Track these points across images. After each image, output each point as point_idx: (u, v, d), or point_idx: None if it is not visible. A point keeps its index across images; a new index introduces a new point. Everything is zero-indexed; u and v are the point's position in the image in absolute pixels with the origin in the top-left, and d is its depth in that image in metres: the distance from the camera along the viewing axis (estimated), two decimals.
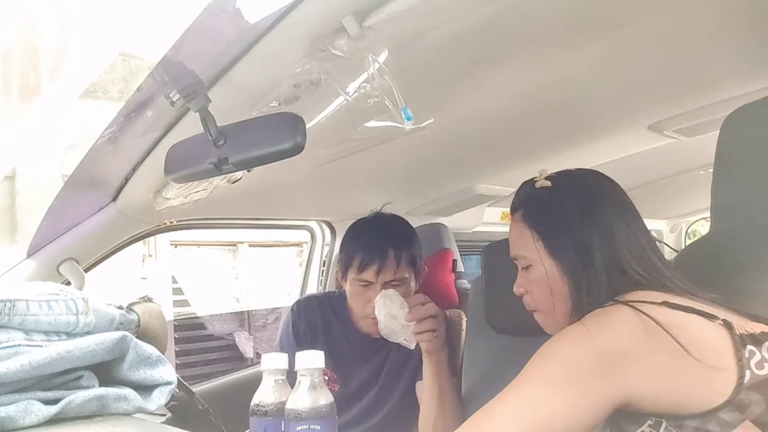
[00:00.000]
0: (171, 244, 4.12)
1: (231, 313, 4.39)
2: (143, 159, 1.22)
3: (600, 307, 0.77)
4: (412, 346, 1.24)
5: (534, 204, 0.94)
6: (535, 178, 0.97)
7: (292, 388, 0.71)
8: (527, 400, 0.70)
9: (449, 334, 1.48)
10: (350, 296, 1.42)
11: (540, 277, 0.91)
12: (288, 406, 0.69)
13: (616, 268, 0.84)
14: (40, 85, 0.94)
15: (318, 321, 1.49)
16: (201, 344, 3.93)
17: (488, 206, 2.44)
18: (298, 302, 1.55)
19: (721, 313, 0.73)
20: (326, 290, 2.14)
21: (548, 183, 0.94)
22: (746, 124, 0.97)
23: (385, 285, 1.34)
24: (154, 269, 4.00)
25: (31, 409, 0.73)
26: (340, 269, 1.43)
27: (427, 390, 1.29)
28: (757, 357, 0.68)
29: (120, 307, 0.93)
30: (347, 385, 1.44)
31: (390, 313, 1.25)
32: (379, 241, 1.34)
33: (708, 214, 1.04)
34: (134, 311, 0.95)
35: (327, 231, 2.20)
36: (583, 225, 0.87)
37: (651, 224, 3.43)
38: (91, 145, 1.10)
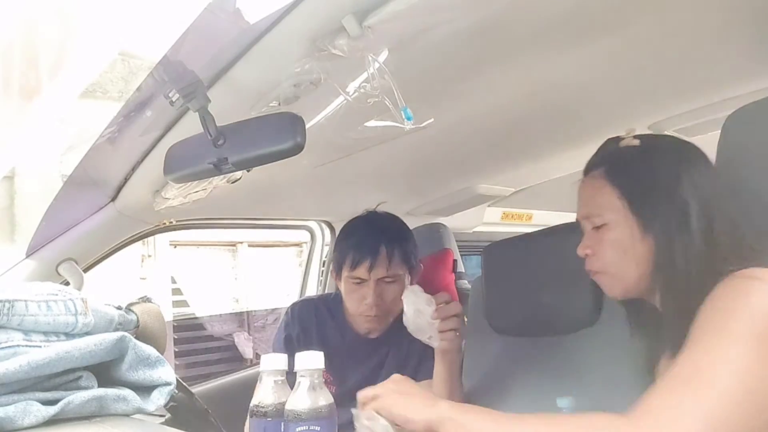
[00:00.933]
0: (170, 244, 4.11)
1: (230, 313, 4.38)
2: (143, 159, 1.22)
3: (697, 272, 0.79)
4: (436, 344, 1.20)
5: (621, 161, 0.91)
6: (620, 136, 0.93)
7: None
8: (742, 361, 0.67)
9: None
10: (345, 295, 1.42)
11: (616, 237, 0.88)
12: (287, 406, 0.69)
13: (712, 235, 0.82)
14: (40, 84, 0.93)
15: (312, 323, 1.49)
16: (200, 345, 3.93)
17: (488, 206, 2.44)
18: (293, 305, 1.55)
19: None
20: (326, 290, 2.13)
21: (636, 142, 0.91)
22: (747, 124, 0.97)
23: (378, 282, 1.34)
24: (153, 269, 4.00)
25: (30, 409, 0.73)
26: (334, 268, 1.44)
27: (437, 389, 1.29)
28: None
29: (119, 308, 0.93)
30: (344, 386, 1.43)
31: (418, 309, 1.20)
32: (371, 238, 1.35)
33: None
34: (133, 312, 0.95)
35: (327, 231, 2.20)
36: (681, 186, 0.83)
37: None
38: (91, 145, 1.10)
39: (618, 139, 0.93)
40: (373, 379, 1.43)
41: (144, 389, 0.85)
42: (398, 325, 1.38)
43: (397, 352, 1.42)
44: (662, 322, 0.93)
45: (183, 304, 4.17)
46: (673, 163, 0.86)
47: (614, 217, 0.88)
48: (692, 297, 0.78)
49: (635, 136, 0.91)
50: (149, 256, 3.99)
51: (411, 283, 1.43)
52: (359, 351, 1.44)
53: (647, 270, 0.86)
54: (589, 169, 0.95)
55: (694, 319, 0.75)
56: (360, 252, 1.34)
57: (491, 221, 2.55)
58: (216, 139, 0.87)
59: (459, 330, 1.19)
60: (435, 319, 1.18)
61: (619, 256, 0.88)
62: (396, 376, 0.89)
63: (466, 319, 1.62)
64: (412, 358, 1.42)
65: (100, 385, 0.82)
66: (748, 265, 0.75)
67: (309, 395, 0.68)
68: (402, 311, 1.34)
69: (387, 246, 1.33)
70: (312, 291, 2.27)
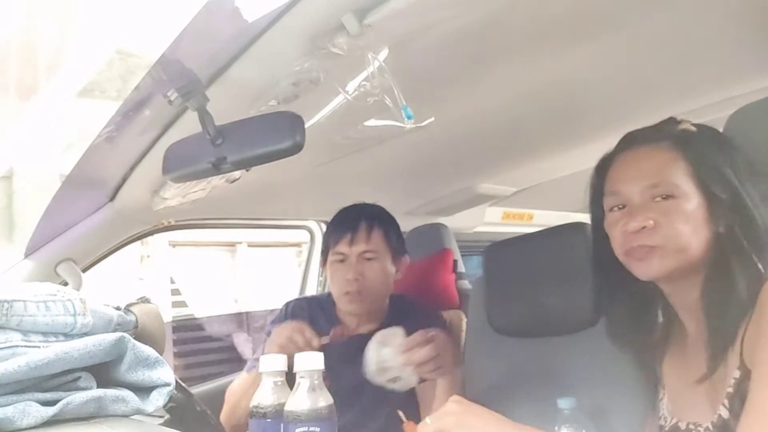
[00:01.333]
0: (169, 245, 4.11)
1: (229, 314, 4.38)
2: (141, 158, 1.22)
3: (749, 269, 0.78)
4: (414, 383, 1.09)
5: (692, 139, 0.88)
6: (679, 119, 0.91)
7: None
8: None
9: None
10: (330, 279, 1.46)
11: (688, 211, 0.83)
12: (287, 407, 0.68)
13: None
14: (37, 84, 0.93)
15: (305, 321, 1.50)
16: (199, 345, 3.92)
17: (489, 206, 2.44)
18: (286, 303, 1.57)
19: None
20: (325, 290, 2.13)
21: (694, 128, 0.89)
22: (748, 124, 0.96)
23: (359, 258, 1.38)
24: (152, 270, 4.00)
25: (29, 410, 0.72)
26: (322, 255, 1.50)
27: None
28: None
29: (118, 308, 0.93)
30: (338, 382, 1.43)
31: (381, 362, 1.09)
32: (352, 216, 1.43)
33: None
34: (132, 312, 0.94)
35: None
36: (746, 182, 0.83)
37: None
38: (89, 145, 1.10)
39: (675, 120, 0.91)
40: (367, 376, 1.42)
41: (143, 390, 0.84)
42: (391, 322, 1.38)
43: None
44: (672, 319, 0.94)
45: (182, 304, 4.16)
46: (740, 159, 0.86)
47: (687, 191, 0.84)
48: (739, 292, 0.78)
49: (693, 124, 0.90)
50: (148, 256, 3.99)
51: (396, 272, 1.46)
52: (352, 348, 1.44)
53: (702, 254, 0.83)
54: (652, 139, 0.90)
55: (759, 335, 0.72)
56: (341, 228, 1.42)
57: (492, 221, 2.55)
58: (215, 138, 0.87)
59: (440, 368, 1.08)
60: (405, 365, 1.07)
61: (689, 231, 0.83)
62: (456, 398, 0.83)
63: (465, 319, 1.63)
64: None
65: (99, 386, 0.81)
66: None
67: (309, 396, 0.68)
68: (385, 301, 1.41)
69: (366, 222, 1.40)
70: (311, 291, 2.26)
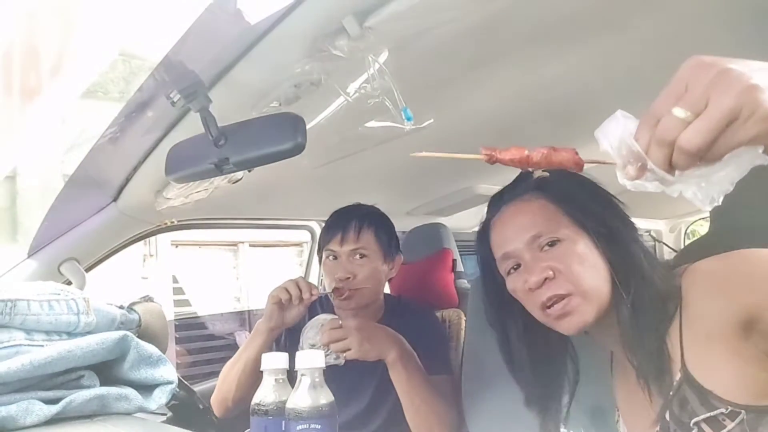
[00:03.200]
0: (172, 244, 4.12)
1: (232, 312, 4.39)
2: (144, 159, 1.22)
3: (662, 279, 0.80)
4: (342, 362, 1.25)
5: (550, 183, 0.90)
6: (531, 172, 0.92)
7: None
8: None
9: (437, 332, 1.50)
10: (324, 276, 1.49)
11: (581, 251, 0.83)
12: (288, 405, 0.69)
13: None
14: (41, 85, 0.94)
15: (304, 319, 1.51)
16: (202, 344, 3.93)
17: None
18: None
19: None
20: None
21: (546, 174, 0.92)
22: None
23: (350, 257, 1.41)
24: (155, 269, 4.01)
25: (32, 408, 0.73)
26: (318, 254, 1.54)
27: (398, 394, 1.31)
28: None
29: (121, 307, 0.94)
30: (340, 380, 1.44)
31: (307, 339, 1.27)
32: (344, 216, 1.47)
33: (707, 213, 1.05)
34: (135, 311, 0.95)
35: None
36: (612, 210, 0.87)
37: (650, 224, 3.41)
38: (92, 145, 1.10)
39: (529, 173, 0.94)
40: (368, 372, 1.43)
41: (146, 388, 0.85)
42: (385, 322, 1.39)
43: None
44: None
45: (185, 303, 4.17)
46: (601, 191, 0.90)
47: (570, 233, 0.85)
48: (662, 296, 0.79)
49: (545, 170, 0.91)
50: (151, 255, 4.00)
51: (389, 270, 1.48)
52: None
53: (611, 289, 0.83)
54: (515, 195, 0.92)
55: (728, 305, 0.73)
56: (333, 228, 1.45)
57: None
58: (217, 139, 0.88)
59: (352, 347, 1.21)
60: (325, 345, 1.23)
61: (589, 270, 0.82)
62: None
63: (464, 318, 1.63)
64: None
65: (102, 384, 0.82)
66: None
67: (310, 394, 0.69)
68: (379, 299, 1.45)
69: (357, 221, 1.44)
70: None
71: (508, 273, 0.90)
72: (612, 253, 0.83)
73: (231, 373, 1.38)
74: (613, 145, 0.55)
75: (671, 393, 0.78)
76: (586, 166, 0.62)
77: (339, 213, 1.49)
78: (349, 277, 1.40)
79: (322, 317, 1.30)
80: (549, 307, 0.83)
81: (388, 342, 1.27)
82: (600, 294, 0.82)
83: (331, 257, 1.44)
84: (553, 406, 0.96)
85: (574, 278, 0.82)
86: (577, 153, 0.62)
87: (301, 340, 1.28)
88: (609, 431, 1.00)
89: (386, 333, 1.29)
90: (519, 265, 0.88)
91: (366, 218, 1.45)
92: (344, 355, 1.23)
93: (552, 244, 0.85)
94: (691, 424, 0.74)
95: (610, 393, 0.98)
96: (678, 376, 0.77)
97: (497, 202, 0.95)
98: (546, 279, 0.83)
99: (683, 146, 0.50)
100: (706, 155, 0.50)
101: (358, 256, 1.42)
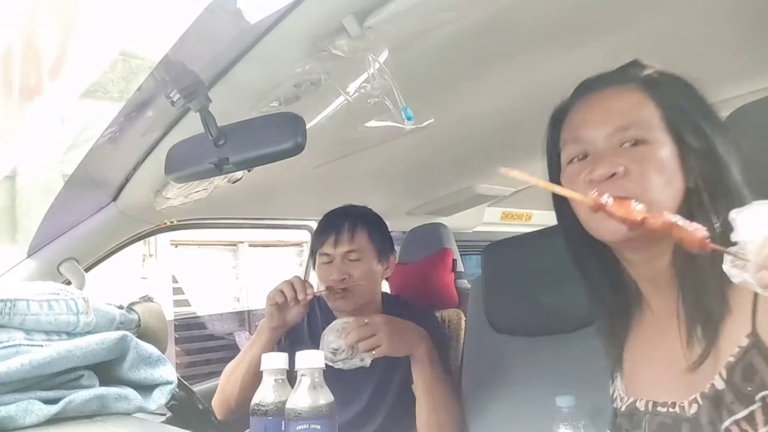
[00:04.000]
0: (171, 244, 4.12)
1: (231, 312, 4.39)
2: (144, 159, 1.22)
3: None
4: (364, 362, 1.24)
5: (660, 83, 0.77)
6: (643, 63, 0.81)
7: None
8: None
9: (435, 332, 1.50)
10: (319, 279, 1.50)
11: (662, 158, 0.72)
12: (288, 405, 0.69)
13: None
14: (41, 84, 0.94)
15: (303, 320, 1.52)
16: (201, 344, 3.93)
17: (488, 206, 2.44)
18: None
19: None
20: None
21: (656, 66, 0.80)
22: (747, 124, 0.97)
23: (344, 259, 1.41)
24: (154, 269, 4.00)
25: (32, 408, 0.73)
26: (311, 257, 1.56)
27: (416, 390, 1.32)
28: None
29: (120, 307, 0.94)
30: (339, 380, 1.44)
31: (328, 344, 1.24)
32: (336, 218, 1.46)
33: None
34: (135, 311, 0.95)
35: None
36: (722, 134, 0.74)
37: None
38: (92, 145, 1.10)
39: (640, 63, 0.82)
40: (366, 372, 1.43)
41: (145, 388, 0.85)
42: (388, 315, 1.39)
43: None
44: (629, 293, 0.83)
45: (184, 303, 4.17)
46: (712, 110, 0.77)
47: (659, 136, 0.73)
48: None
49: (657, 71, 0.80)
50: (150, 255, 3.99)
51: (383, 270, 1.48)
52: None
53: (678, 205, 0.71)
54: (616, 81, 0.79)
55: None
56: (326, 230, 1.45)
57: (491, 221, 2.55)
58: (217, 139, 0.88)
59: (379, 347, 1.21)
60: (351, 346, 1.22)
61: (662, 182, 0.71)
62: None
63: (464, 318, 1.63)
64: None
65: (101, 384, 0.82)
66: None
67: (310, 394, 0.69)
68: (376, 299, 1.45)
69: (349, 223, 1.44)
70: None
71: (570, 161, 0.78)
72: (702, 175, 0.72)
73: (234, 374, 1.38)
74: (754, 240, 0.48)
75: (733, 359, 0.67)
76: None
77: (331, 215, 1.49)
78: (344, 278, 1.40)
79: (341, 321, 1.27)
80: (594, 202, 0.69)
81: (417, 336, 1.28)
82: (666, 209, 0.67)
83: (325, 260, 1.45)
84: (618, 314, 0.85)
85: (646, 184, 0.70)
86: (707, 238, 0.57)
87: (321, 346, 1.25)
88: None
89: (414, 328, 1.29)
90: (586, 156, 0.76)
91: (359, 219, 1.45)
92: (374, 352, 1.21)
93: (636, 143, 0.73)
94: (756, 398, 0.65)
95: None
96: (745, 341, 0.66)
97: (589, 85, 0.82)
98: (614, 174, 0.71)
99: None
100: None
101: (352, 258, 1.42)
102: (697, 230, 0.59)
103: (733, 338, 0.68)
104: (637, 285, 0.82)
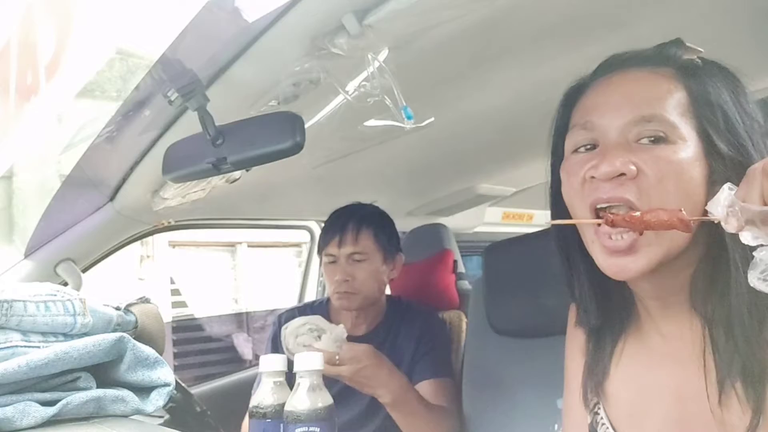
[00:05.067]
0: (169, 245, 4.11)
1: (229, 314, 4.38)
2: (141, 159, 1.22)
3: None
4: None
5: (699, 72, 0.66)
6: (685, 43, 0.69)
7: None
8: None
9: (439, 333, 1.49)
10: (325, 278, 1.51)
11: (681, 163, 0.60)
12: (287, 408, 0.68)
13: None
14: (37, 83, 0.93)
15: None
16: (199, 345, 3.92)
17: (489, 206, 2.44)
18: (279, 315, 1.60)
19: None
20: (325, 290, 2.13)
21: (701, 50, 0.68)
22: None
23: (348, 259, 1.41)
24: (151, 270, 4.00)
25: (29, 410, 0.72)
26: (318, 256, 1.54)
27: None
28: None
29: (117, 308, 0.93)
30: (336, 385, 1.44)
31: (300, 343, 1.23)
32: (342, 218, 1.46)
33: None
34: (132, 312, 0.94)
35: None
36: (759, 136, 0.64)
37: None
38: (89, 145, 1.10)
39: (682, 44, 0.69)
40: None
41: (143, 390, 0.84)
42: (388, 323, 1.38)
43: (388, 351, 1.42)
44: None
45: (182, 304, 4.16)
46: (755, 112, 0.66)
47: (685, 135, 0.61)
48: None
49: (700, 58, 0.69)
50: (148, 256, 3.99)
51: (389, 271, 1.47)
52: None
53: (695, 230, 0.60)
54: (649, 61, 0.67)
55: None
56: (331, 230, 1.45)
57: (492, 221, 2.55)
58: (215, 138, 0.87)
59: (345, 379, 1.19)
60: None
61: (681, 190, 0.60)
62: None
63: (465, 320, 1.63)
64: (404, 357, 1.42)
65: (98, 386, 0.81)
66: None
67: (308, 396, 0.68)
68: (380, 300, 1.45)
69: (354, 223, 1.43)
70: (311, 291, 2.26)
71: (576, 150, 0.67)
72: (712, 175, 0.62)
73: None
74: (718, 204, 0.51)
75: None
76: (692, 222, 0.55)
77: (337, 214, 1.49)
78: (348, 280, 1.39)
79: (300, 321, 1.24)
80: (603, 218, 0.60)
81: (383, 384, 1.22)
82: (681, 236, 0.60)
83: (330, 260, 1.44)
84: (607, 332, 0.75)
85: (659, 192, 0.60)
86: (681, 210, 0.55)
87: (283, 344, 1.24)
88: None
89: (386, 373, 1.22)
90: (594, 146, 0.65)
91: (364, 219, 1.45)
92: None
93: (656, 140, 0.62)
94: None
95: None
96: None
97: (617, 61, 0.70)
98: (622, 175, 0.61)
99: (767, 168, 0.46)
100: None
101: (357, 258, 1.41)
102: (675, 210, 0.55)
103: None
104: (639, 300, 0.71)
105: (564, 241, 0.74)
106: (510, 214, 2.62)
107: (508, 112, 1.35)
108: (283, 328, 1.27)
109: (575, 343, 0.81)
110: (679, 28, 1.03)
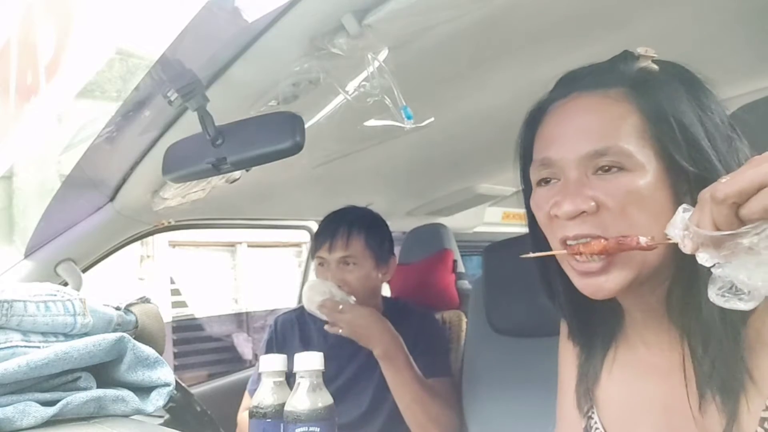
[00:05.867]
0: (169, 245, 4.11)
1: (229, 314, 4.38)
2: (141, 159, 1.22)
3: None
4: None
5: (652, 83, 0.64)
6: (637, 50, 0.68)
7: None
8: None
9: (436, 334, 1.49)
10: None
11: (640, 190, 0.60)
12: (287, 407, 0.68)
13: None
14: (37, 83, 0.93)
15: (295, 332, 1.56)
16: (199, 345, 3.92)
17: (489, 206, 2.44)
18: (276, 318, 1.61)
19: None
20: None
21: (654, 54, 0.67)
22: (747, 123, 0.96)
23: (339, 264, 1.41)
24: (152, 270, 4.00)
25: (29, 410, 0.72)
26: (311, 257, 1.58)
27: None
28: None
29: (118, 308, 0.93)
30: (333, 385, 1.44)
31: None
32: (333, 222, 1.46)
33: None
34: (132, 312, 0.94)
35: None
36: (729, 145, 0.63)
37: None
38: (89, 145, 1.10)
39: (631, 54, 0.68)
40: (362, 377, 1.43)
41: (143, 390, 0.84)
42: None
43: None
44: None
45: (182, 304, 4.17)
46: (718, 112, 0.65)
47: (642, 161, 0.61)
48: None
49: (655, 61, 0.67)
50: (148, 256, 3.99)
51: (381, 275, 1.48)
52: (344, 351, 1.45)
53: (666, 249, 0.61)
54: (599, 83, 0.66)
55: None
56: (323, 234, 1.45)
57: (492, 221, 2.55)
58: (215, 138, 0.87)
59: (344, 327, 1.32)
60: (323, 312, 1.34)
61: (646, 215, 0.60)
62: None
63: (465, 319, 1.63)
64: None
65: (98, 386, 0.81)
66: None
67: (308, 396, 0.68)
68: (374, 302, 1.47)
69: (347, 228, 1.43)
70: None
71: (538, 183, 0.69)
72: (675, 197, 0.62)
73: None
74: (675, 227, 0.54)
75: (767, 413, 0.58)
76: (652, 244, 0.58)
77: (329, 219, 1.49)
78: (339, 286, 1.39)
79: (326, 288, 1.36)
80: (572, 247, 0.63)
81: (378, 335, 1.30)
82: (652, 257, 0.61)
83: (321, 264, 1.45)
84: (597, 342, 0.76)
85: (624, 221, 0.61)
86: (638, 239, 0.59)
87: (306, 297, 1.37)
88: None
89: (382, 328, 1.31)
90: (557, 180, 0.66)
91: (355, 224, 1.44)
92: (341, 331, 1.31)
93: (614, 170, 0.62)
94: None
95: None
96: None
97: (570, 82, 0.70)
98: (584, 213, 0.62)
99: (715, 195, 0.48)
100: (741, 212, 0.47)
101: (347, 264, 1.41)
102: (634, 238, 0.58)
103: (753, 409, 0.59)
104: (626, 311, 0.72)
105: (544, 267, 0.77)
106: (510, 214, 2.62)
107: (508, 111, 1.34)
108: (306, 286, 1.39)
109: (567, 352, 0.83)
110: (678, 27, 1.04)
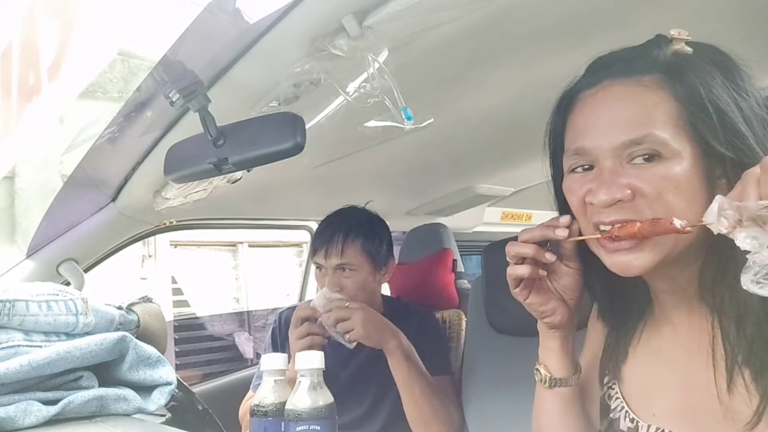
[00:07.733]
0: (171, 245, 4.12)
1: (231, 313, 4.38)
2: (143, 159, 1.22)
3: None
4: (351, 346, 1.30)
5: (687, 67, 0.63)
6: (670, 33, 0.65)
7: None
8: None
9: (436, 333, 1.50)
10: (318, 285, 1.51)
11: (677, 177, 0.60)
12: (288, 406, 0.69)
13: None
14: (40, 84, 0.93)
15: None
16: (201, 344, 3.93)
17: (488, 206, 2.44)
18: (279, 313, 1.60)
19: None
20: None
21: (688, 36, 0.65)
22: None
23: (335, 270, 1.40)
24: (153, 269, 4.00)
25: (31, 409, 0.73)
26: (310, 260, 1.56)
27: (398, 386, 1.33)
28: None
29: (119, 308, 0.93)
30: (336, 383, 1.44)
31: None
32: (330, 228, 1.44)
33: None
34: (134, 311, 0.95)
35: None
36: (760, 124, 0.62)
37: None
38: (91, 145, 1.10)
39: (666, 39, 0.66)
40: (363, 376, 1.43)
41: (145, 389, 0.85)
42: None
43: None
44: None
45: (183, 304, 4.17)
46: (757, 97, 0.64)
47: (678, 149, 0.60)
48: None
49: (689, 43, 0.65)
50: (150, 256, 3.99)
51: (380, 278, 1.48)
52: (345, 349, 1.45)
53: (699, 233, 0.60)
54: (633, 70, 0.65)
55: None
56: (319, 239, 1.43)
57: (491, 221, 2.55)
58: (216, 139, 0.88)
59: (356, 327, 1.26)
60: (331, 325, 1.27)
61: (681, 204, 0.60)
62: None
63: (464, 319, 1.63)
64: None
65: (100, 385, 0.82)
66: None
67: (309, 395, 0.68)
68: (374, 303, 1.45)
69: (342, 235, 1.41)
70: (312, 290, 2.27)
71: (573, 170, 0.68)
72: (708, 185, 0.61)
73: None
74: (712, 214, 0.54)
75: None
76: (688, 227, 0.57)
77: (325, 223, 1.47)
78: (336, 290, 1.39)
79: (330, 294, 1.33)
80: (607, 232, 0.63)
81: (390, 331, 1.29)
82: (684, 240, 0.61)
83: (319, 269, 1.45)
84: (626, 322, 0.77)
85: (660, 207, 0.61)
86: (672, 221, 0.58)
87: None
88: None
89: (388, 324, 1.31)
90: (591, 168, 0.66)
91: (352, 230, 1.42)
92: (347, 336, 1.26)
93: (650, 158, 0.61)
94: None
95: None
96: None
97: (601, 69, 0.68)
98: (619, 201, 0.62)
99: (765, 163, 0.50)
100: None
101: (343, 270, 1.41)
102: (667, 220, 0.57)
103: None
104: (653, 293, 0.73)
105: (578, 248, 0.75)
106: (509, 214, 2.62)
107: (508, 112, 1.35)
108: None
109: (595, 330, 0.86)
110: (678, 27, 1.04)
